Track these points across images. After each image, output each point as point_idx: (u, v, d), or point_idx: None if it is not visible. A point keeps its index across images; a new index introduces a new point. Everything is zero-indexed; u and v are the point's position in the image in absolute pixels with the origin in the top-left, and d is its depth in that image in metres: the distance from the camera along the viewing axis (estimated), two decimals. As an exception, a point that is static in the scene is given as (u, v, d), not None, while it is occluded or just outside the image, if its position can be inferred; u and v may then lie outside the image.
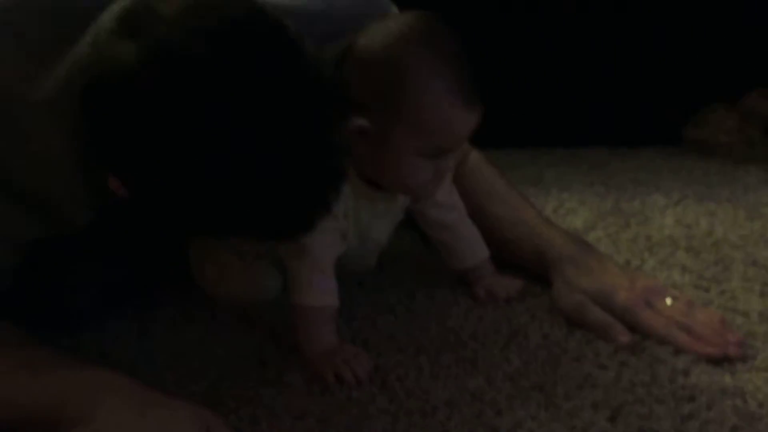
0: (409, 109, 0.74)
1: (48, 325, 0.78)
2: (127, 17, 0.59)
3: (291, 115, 0.59)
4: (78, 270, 0.86)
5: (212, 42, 0.56)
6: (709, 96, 1.50)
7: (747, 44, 1.45)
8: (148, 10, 0.58)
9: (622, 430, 0.67)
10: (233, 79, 0.56)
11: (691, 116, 1.51)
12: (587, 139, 1.54)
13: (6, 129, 0.68)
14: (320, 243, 0.78)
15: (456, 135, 0.76)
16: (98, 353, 0.83)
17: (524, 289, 0.92)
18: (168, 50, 0.56)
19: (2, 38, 0.68)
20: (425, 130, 0.74)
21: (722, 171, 1.38)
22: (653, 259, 1.01)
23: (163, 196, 0.60)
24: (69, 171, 0.69)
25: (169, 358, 0.82)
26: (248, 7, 0.60)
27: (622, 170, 1.41)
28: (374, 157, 0.77)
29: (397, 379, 0.76)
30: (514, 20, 1.51)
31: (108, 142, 0.60)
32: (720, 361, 0.76)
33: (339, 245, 0.81)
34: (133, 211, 0.65)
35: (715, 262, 0.99)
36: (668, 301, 0.82)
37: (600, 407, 0.70)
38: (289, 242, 0.76)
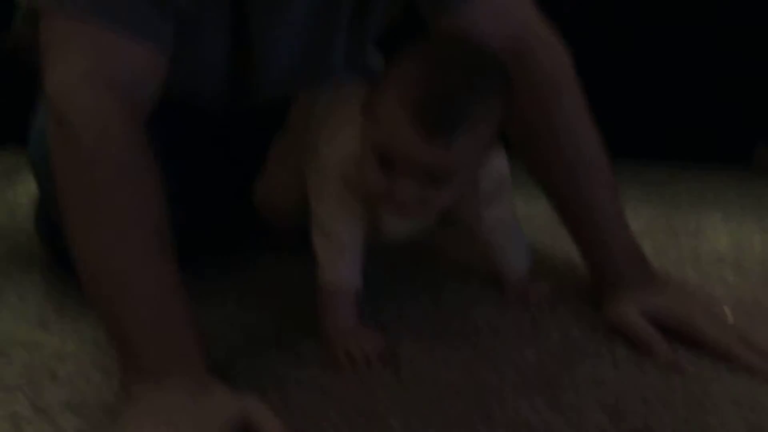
0: (380, 100, 0.72)
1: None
2: None
3: None
4: None
5: None
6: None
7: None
8: None
9: (622, 430, 0.66)
10: None
11: (765, 138, 1.45)
12: (651, 155, 1.51)
13: None
14: (347, 225, 0.80)
15: (401, 153, 0.70)
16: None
17: (556, 295, 0.91)
18: None
19: None
20: (376, 123, 0.72)
21: (790, 197, 1.33)
22: (696, 273, 0.98)
23: None
24: None
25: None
26: None
27: (684, 188, 1.37)
28: (360, 142, 0.76)
29: (408, 363, 0.77)
30: (589, 29, 1.49)
31: None
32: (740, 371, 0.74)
33: (365, 229, 0.82)
34: None
35: (762, 284, 0.96)
36: (728, 311, 0.80)
37: (604, 406, 0.69)
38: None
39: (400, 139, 0.70)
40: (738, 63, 1.44)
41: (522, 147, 0.91)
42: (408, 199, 0.72)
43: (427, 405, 0.70)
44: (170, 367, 0.67)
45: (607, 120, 0.93)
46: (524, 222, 1.17)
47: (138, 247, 0.69)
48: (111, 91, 0.70)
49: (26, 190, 1.21)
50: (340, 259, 0.81)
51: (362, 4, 0.90)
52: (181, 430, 0.62)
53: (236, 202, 1.01)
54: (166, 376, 0.66)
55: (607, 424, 0.67)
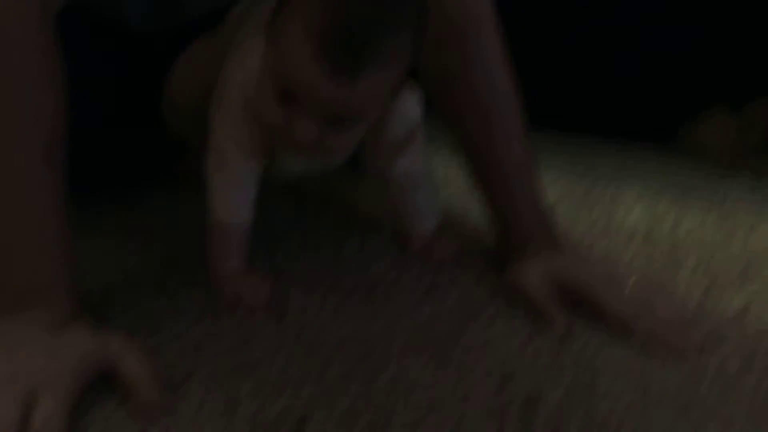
0: (279, 25, 0.66)
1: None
2: None
3: None
4: None
5: None
6: (713, 99, 1.44)
7: (757, 51, 1.39)
8: None
9: (506, 399, 0.63)
10: None
11: (691, 117, 1.45)
12: (575, 128, 1.50)
13: None
14: (243, 156, 0.75)
15: (303, 86, 0.64)
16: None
17: (461, 255, 0.88)
18: None
19: None
20: (277, 54, 0.66)
21: (709, 175, 1.33)
22: (606, 244, 0.97)
23: None
24: None
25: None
26: None
27: (604, 160, 1.36)
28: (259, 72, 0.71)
29: (295, 312, 0.73)
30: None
31: None
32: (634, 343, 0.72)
33: (261, 162, 0.77)
34: None
35: (668, 253, 0.94)
36: (631, 283, 0.77)
37: (493, 370, 0.66)
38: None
39: (304, 73, 0.64)
40: (669, 38, 1.43)
41: (434, 87, 0.86)
42: (306, 139, 0.67)
43: (307, 358, 0.66)
44: (32, 299, 0.61)
45: (534, 89, 0.91)
46: (441, 182, 1.15)
47: (20, 145, 0.62)
48: None
49: None
50: (233, 193, 0.76)
51: None
52: (29, 365, 0.56)
53: (144, 129, 0.93)
54: (25, 310, 0.60)
55: (495, 387, 0.64)
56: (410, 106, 0.80)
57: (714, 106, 1.43)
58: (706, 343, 0.72)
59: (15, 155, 0.62)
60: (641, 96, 1.47)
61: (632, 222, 1.05)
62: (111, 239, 0.86)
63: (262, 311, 0.73)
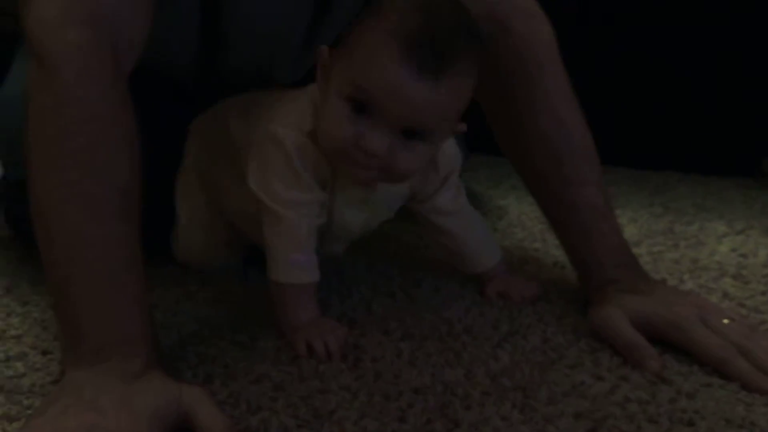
0: (352, 42, 0.68)
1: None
2: None
3: None
4: None
5: None
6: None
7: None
8: None
9: (599, 444, 0.59)
10: None
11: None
12: (657, 163, 1.45)
13: None
14: (297, 215, 0.73)
15: (385, 89, 0.65)
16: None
17: (540, 296, 0.85)
18: None
19: None
20: (354, 64, 0.67)
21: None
22: (692, 282, 0.92)
23: None
24: None
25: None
26: None
27: (688, 196, 1.31)
28: (323, 101, 0.71)
29: (371, 360, 0.71)
30: (593, 34, 1.43)
31: None
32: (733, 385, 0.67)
33: (315, 219, 0.75)
34: None
35: (762, 293, 0.89)
36: (725, 321, 0.72)
37: (582, 418, 0.62)
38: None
39: (388, 73, 0.64)
40: (748, 72, 1.38)
41: (502, 130, 0.86)
42: (377, 148, 0.66)
43: (384, 406, 0.63)
44: (110, 350, 0.60)
45: (608, 127, 0.87)
46: (514, 222, 1.13)
47: (98, 201, 0.62)
48: (92, 26, 0.64)
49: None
50: (294, 249, 0.74)
51: None
52: (107, 416, 0.56)
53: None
54: (103, 361, 0.60)
55: (585, 435, 0.60)
56: (451, 143, 0.80)
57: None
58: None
59: (95, 210, 0.62)
60: (720, 130, 1.42)
61: (720, 259, 0.99)
62: (182, 288, 0.86)
63: (336, 359, 0.71)
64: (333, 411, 0.62)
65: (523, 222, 1.13)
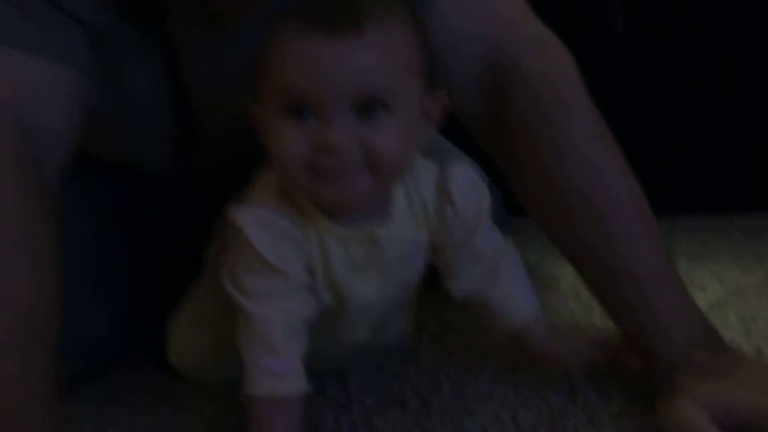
0: (264, 62, 0.57)
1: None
2: None
3: None
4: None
5: None
6: None
7: None
8: None
9: None
10: None
11: None
12: (745, 204, 1.23)
13: None
14: (267, 311, 0.58)
15: (308, 69, 0.53)
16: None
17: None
18: None
19: None
20: (270, 77, 0.55)
21: None
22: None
23: None
24: None
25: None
26: None
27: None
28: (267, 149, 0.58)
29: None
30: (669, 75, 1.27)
31: None
32: None
33: (298, 312, 0.60)
34: None
35: None
36: None
37: None
38: None
39: (300, 52, 0.54)
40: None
41: (522, 193, 0.69)
42: (340, 138, 0.53)
43: None
44: None
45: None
46: (568, 293, 0.94)
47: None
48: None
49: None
50: (266, 351, 0.58)
51: None
52: None
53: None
54: None
55: None
56: (466, 172, 0.64)
57: None
58: None
59: None
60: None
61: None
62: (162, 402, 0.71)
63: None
64: None
65: (579, 293, 0.94)
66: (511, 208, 0.94)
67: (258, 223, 0.58)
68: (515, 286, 0.68)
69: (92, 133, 0.64)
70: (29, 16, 0.57)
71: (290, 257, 0.58)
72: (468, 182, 0.64)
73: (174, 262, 0.80)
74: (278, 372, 0.58)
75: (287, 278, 0.58)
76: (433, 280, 0.68)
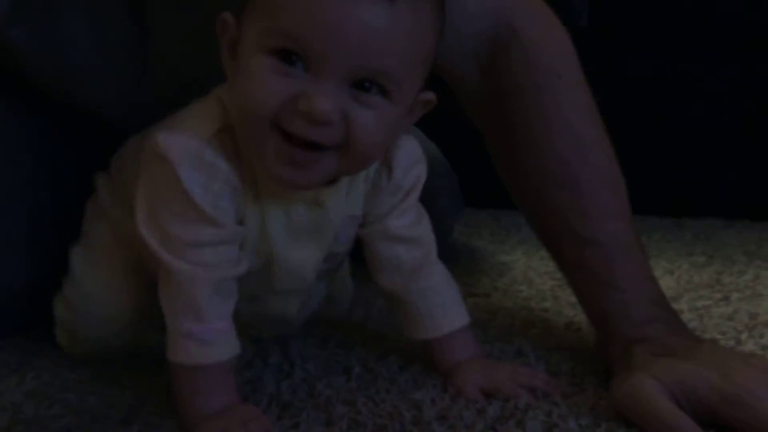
0: None
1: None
2: None
3: None
4: None
5: None
6: None
7: None
8: None
9: None
10: None
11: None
12: (701, 209, 1.26)
13: None
14: (192, 267, 0.52)
15: (323, 22, 0.47)
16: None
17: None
18: None
19: None
20: (272, 8, 0.48)
21: None
22: (753, 342, 0.69)
23: None
24: None
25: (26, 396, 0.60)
26: None
27: (736, 243, 1.09)
28: (232, 80, 0.52)
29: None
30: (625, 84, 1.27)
31: None
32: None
33: (229, 269, 0.54)
34: None
35: None
36: None
37: None
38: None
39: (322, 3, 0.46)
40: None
41: (503, 159, 0.67)
42: (326, 108, 0.47)
43: None
44: None
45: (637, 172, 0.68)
46: (520, 279, 0.92)
47: None
48: None
49: None
50: (190, 317, 0.53)
51: None
52: None
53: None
54: None
55: None
56: (414, 148, 0.60)
57: None
58: None
59: None
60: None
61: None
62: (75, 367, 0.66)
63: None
64: None
65: (531, 279, 0.92)
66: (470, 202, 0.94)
67: (189, 156, 0.51)
68: (435, 301, 0.62)
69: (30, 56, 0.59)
70: None
71: (223, 204, 0.53)
72: (411, 158, 0.60)
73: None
74: (203, 337, 0.53)
75: (219, 227, 0.53)
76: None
